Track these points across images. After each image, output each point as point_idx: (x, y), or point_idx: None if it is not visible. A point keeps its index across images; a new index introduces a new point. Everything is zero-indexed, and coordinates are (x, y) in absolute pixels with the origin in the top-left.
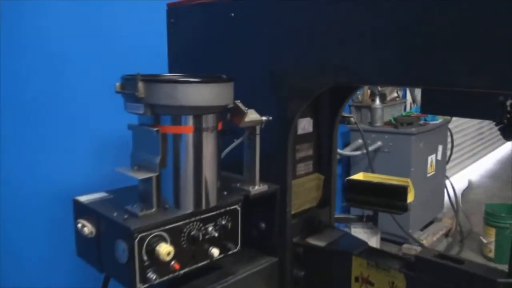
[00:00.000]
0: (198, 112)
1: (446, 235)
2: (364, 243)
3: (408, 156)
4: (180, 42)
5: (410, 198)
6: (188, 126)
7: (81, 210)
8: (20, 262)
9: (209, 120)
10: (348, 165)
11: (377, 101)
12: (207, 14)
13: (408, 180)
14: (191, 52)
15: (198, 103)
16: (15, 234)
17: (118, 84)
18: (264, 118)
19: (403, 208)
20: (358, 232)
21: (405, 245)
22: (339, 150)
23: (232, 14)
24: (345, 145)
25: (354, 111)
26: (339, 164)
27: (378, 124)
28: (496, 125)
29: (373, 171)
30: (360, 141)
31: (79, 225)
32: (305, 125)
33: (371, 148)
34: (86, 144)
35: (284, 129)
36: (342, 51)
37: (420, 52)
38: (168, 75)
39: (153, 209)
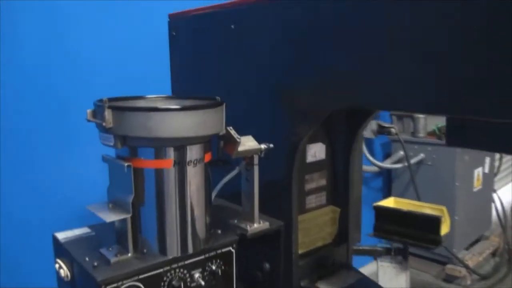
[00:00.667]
0: (178, 144)
1: (494, 254)
2: None
3: (453, 169)
4: (181, 56)
5: (445, 229)
6: (166, 160)
7: (59, 249)
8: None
9: (192, 152)
10: (389, 178)
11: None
12: (206, 25)
13: (443, 208)
14: (192, 67)
15: (176, 134)
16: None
17: (89, 111)
18: (263, 146)
19: (436, 242)
20: (386, 266)
21: (448, 266)
22: (378, 162)
23: (232, 26)
24: (386, 157)
25: (395, 120)
26: (379, 177)
27: (421, 134)
28: None
29: (415, 186)
30: (401, 153)
31: (57, 266)
32: (316, 151)
33: (413, 161)
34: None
35: (289, 156)
36: (358, 67)
37: (442, 77)
38: (142, 99)
39: (129, 254)
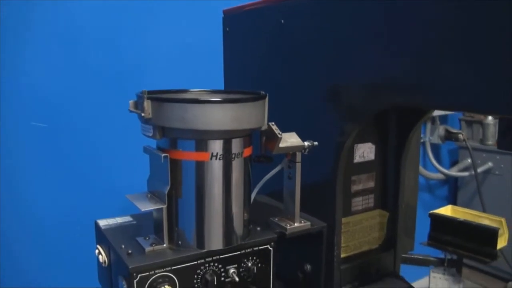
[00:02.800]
0: (217, 137)
1: None
2: None
3: None
4: (235, 53)
5: (502, 242)
6: (203, 153)
7: (99, 235)
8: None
9: (232, 146)
10: (455, 186)
11: (490, 116)
12: (258, 21)
13: (502, 220)
14: (243, 63)
15: (213, 126)
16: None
17: (131, 102)
18: (306, 143)
19: (492, 256)
20: (438, 278)
21: (510, 283)
22: (444, 170)
23: (282, 21)
24: (453, 164)
25: (464, 126)
26: (445, 185)
27: (490, 142)
28: None
29: (481, 196)
30: (469, 160)
31: (97, 251)
32: (364, 152)
33: (480, 170)
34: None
35: (335, 155)
36: (393, 66)
37: (496, 74)
38: (185, 92)
39: (164, 245)
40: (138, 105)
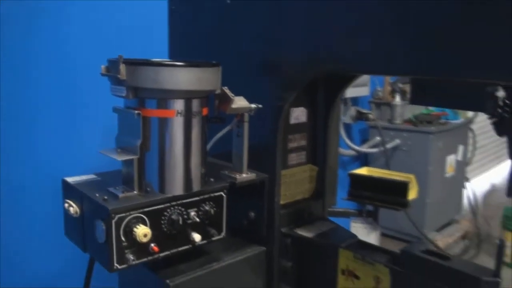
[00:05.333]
0: (181, 97)
1: (464, 237)
2: (353, 236)
3: (426, 155)
4: (180, 30)
5: (412, 195)
6: (170, 110)
7: (68, 190)
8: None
9: (192, 105)
10: (366, 162)
11: (397, 98)
12: (204, 1)
13: (412, 177)
14: (190, 40)
15: (180, 87)
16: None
17: (103, 66)
18: (253, 105)
19: (404, 204)
20: (358, 227)
21: None
22: (356, 147)
23: (228, 1)
24: (363, 142)
25: (373, 107)
26: (357, 161)
27: (398, 121)
28: (489, 118)
29: (389, 169)
30: (378, 138)
31: (66, 205)
32: (298, 115)
33: (389, 146)
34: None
35: (274, 118)
36: (332, 38)
37: (413, 40)
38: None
39: (135, 192)
40: (111, 69)
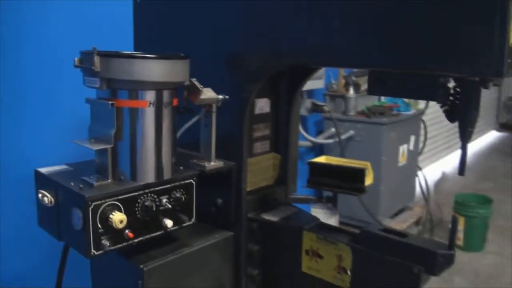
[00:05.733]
0: (153, 88)
1: (417, 223)
2: (315, 219)
3: (380, 145)
4: (145, 23)
5: (368, 181)
6: (142, 101)
7: (42, 181)
8: None
9: (164, 96)
10: (321, 153)
11: (351, 91)
12: None
13: (368, 164)
14: (155, 33)
15: (153, 78)
16: None
17: (76, 58)
18: (220, 96)
19: (361, 190)
20: (317, 212)
21: None
22: (311, 138)
23: None
24: (319, 133)
25: (328, 100)
26: (312, 152)
27: (351, 113)
28: (441, 107)
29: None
30: (333, 129)
31: (40, 195)
32: (262, 105)
33: (343, 137)
34: (57, 122)
35: (240, 108)
36: (293, 32)
37: (370, 35)
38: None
39: (109, 180)
40: (85, 61)
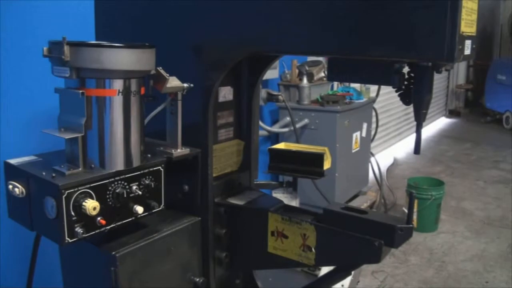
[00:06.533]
0: (122, 76)
1: (371, 207)
2: (280, 201)
3: (334, 132)
4: (106, 12)
5: (327, 165)
6: (112, 89)
7: (12, 172)
8: None
9: (132, 84)
10: (277, 141)
11: (305, 81)
12: None
13: (326, 148)
14: (117, 23)
15: (121, 67)
16: None
17: (45, 48)
18: (185, 85)
19: (320, 173)
20: (279, 196)
21: None
22: (267, 127)
23: None
24: (274, 122)
25: (282, 89)
26: (268, 141)
27: (306, 102)
28: (396, 91)
29: None
30: (288, 118)
31: (10, 186)
32: (225, 93)
33: (298, 125)
34: (18, 113)
35: (205, 97)
36: (251, 22)
37: (322, 23)
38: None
39: (80, 169)
40: (54, 50)
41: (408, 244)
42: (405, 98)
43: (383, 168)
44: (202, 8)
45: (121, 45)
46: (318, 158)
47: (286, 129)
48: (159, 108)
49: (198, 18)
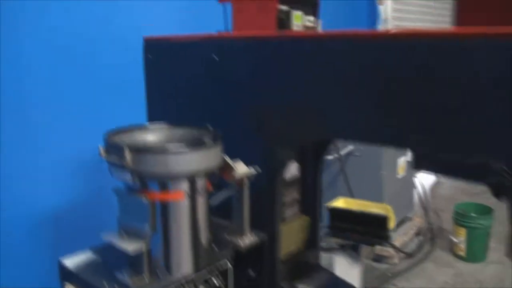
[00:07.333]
0: (189, 178)
1: (417, 233)
2: (352, 286)
3: (379, 159)
4: (159, 79)
5: (391, 224)
6: (177, 192)
7: (68, 275)
8: None
9: (199, 183)
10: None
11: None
12: (188, 54)
13: (388, 207)
14: (171, 92)
15: (188, 169)
16: None
17: (101, 148)
18: (253, 170)
19: (385, 237)
20: (340, 261)
21: (377, 247)
22: None
23: (216, 58)
24: None
25: None
26: None
27: None
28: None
29: (345, 175)
30: (332, 145)
31: None
32: (292, 170)
33: (342, 152)
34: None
35: (272, 176)
36: (328, 110)
37: (403, 116)
38: (143, 129)
39: (144, 275)
40: (112, 153)
41: (457, 275)
42: (497, 192)
43: (427, 189)
44: (273, 93)
45: (186, 149)
46: (382, 221)
47: (330, 157)
48: (223, 196)
49: (269, 99)
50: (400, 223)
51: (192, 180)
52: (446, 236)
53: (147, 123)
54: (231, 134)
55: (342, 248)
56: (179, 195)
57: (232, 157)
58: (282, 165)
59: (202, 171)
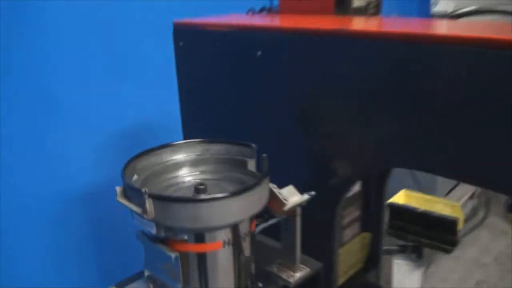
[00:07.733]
0: (227, 228)
1: (471, 197)
2: None
3: None
4: (192, 70)
5: (460, 226)
6: (215, 243)
7: None
8: (19, 263)
9: (241, 230)
10: None
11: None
12: (225, 45)
13: (458, 207)
14: (205, 86)
15: (226, 221)
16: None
17: (119, 189)
18: (306, 196)
19: (453, 242)
20: (400, 264)
21: None
22: None
23: (259, 53)
24: None
25: None
26: None
27: None
28: None
29: None
30: None
31: None
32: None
33: None
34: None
35: (332, 199)
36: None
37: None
38: (165, 149)
39: None
40: (132, 198)
41: None
42: None
43: None
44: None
45: (223, 195)
46: (450, 225)
47: None
48: (268, 223)
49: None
50: (453, 187)
51: (234, 228)
52: (501, 200)
53: (174, 142)
54: (282, 160)
55: (402, 249)
56: (217, 245)
57: (284, 177)
58: (346, 188)
59: (246, 219)
